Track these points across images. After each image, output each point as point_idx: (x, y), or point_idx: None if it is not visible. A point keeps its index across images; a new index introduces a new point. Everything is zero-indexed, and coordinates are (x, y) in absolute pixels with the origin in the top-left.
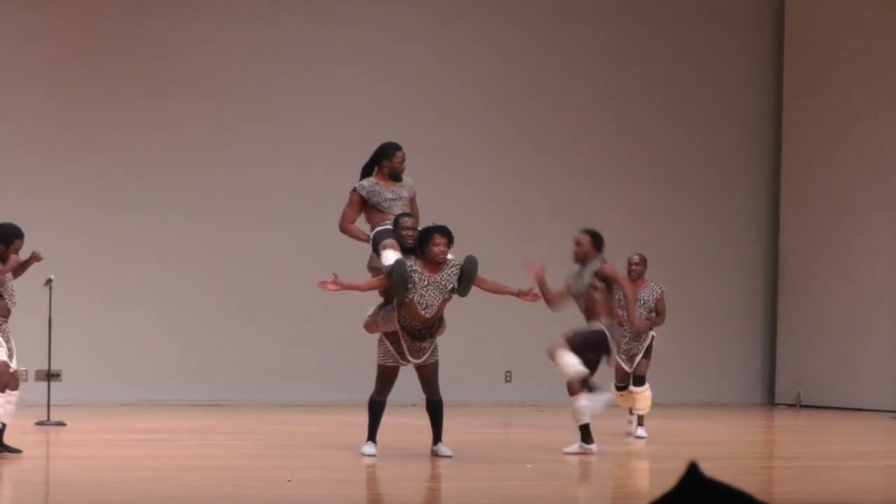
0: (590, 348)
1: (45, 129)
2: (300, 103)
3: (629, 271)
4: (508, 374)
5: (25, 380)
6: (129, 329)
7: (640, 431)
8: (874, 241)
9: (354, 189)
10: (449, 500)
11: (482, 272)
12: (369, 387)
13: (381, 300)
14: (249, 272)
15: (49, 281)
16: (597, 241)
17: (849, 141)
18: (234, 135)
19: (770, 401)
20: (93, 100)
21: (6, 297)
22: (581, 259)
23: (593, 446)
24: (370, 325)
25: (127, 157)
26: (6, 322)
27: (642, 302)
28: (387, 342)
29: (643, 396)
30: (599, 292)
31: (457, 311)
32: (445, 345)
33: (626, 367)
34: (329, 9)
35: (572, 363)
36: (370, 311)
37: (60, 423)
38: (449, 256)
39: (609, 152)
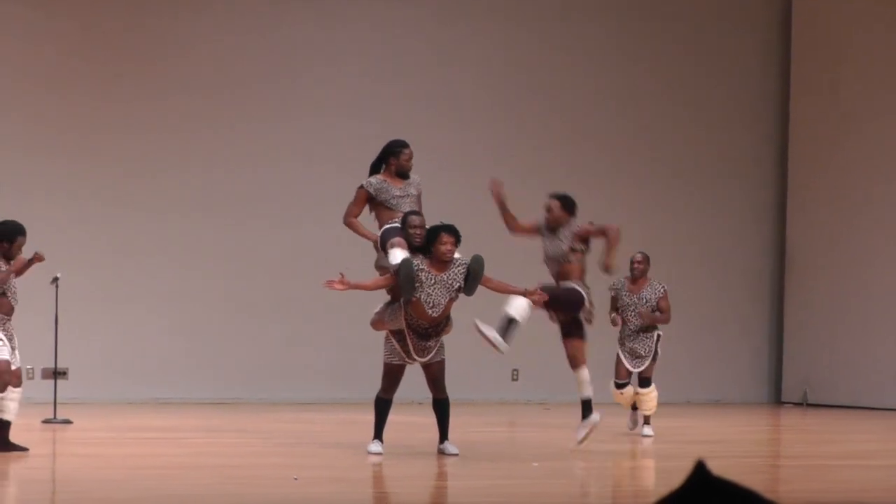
0: (561, 304)
1: (49, 128)
2: (301, 102)
3: (631, 269)
4: (515, 373)
5: (32, 378)
6: (136, 327)
7: (647, 430)
8: (881, 239)
9: (362, 185)
10: (455, 499)
11: (488, 271)
12: (375, 385)
13: (388, 298)
14: (255, 270)
15: (55, 279)
16: (567, 204)
17: (855, 138)
18: (236, 134)
19: (777, 399)
20: (94, 99)
21: (9, 295)
22: (554, 225)
23: (595, 416)
24: (377, 323)
25: (131, 157)
26: (9, 320)
27: (645, 301)
28: (393, 340)
29: (649, 397)
30: (577, 256)
31: (464, 310)
32: (452, 343)
33: (629, 365)
34: (329, 8)
35: (496, 339)
36: (377, 308)
37: (67, 421)
38: (456, 255)
39: (615, 151)
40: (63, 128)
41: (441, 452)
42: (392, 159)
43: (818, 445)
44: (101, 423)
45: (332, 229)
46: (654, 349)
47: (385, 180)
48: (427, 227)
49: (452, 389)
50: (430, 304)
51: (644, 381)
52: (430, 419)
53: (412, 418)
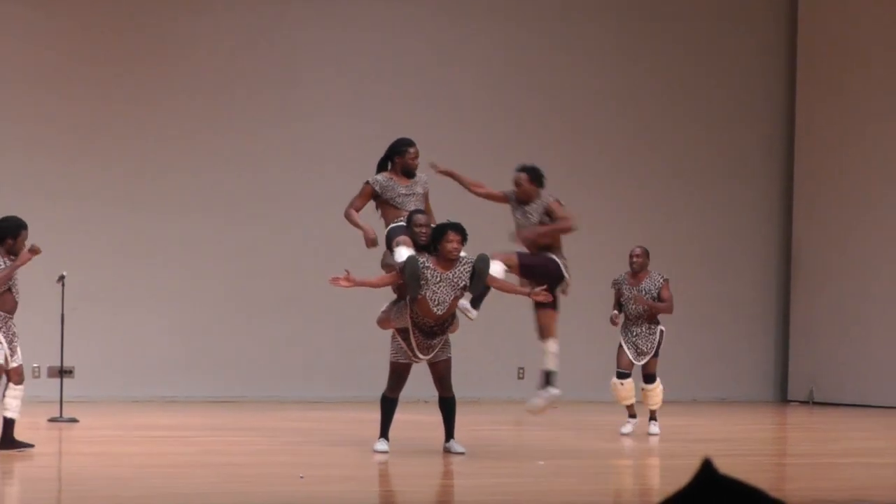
0: (537, 275)
1: (49, 128)
2: (301, 102)
3: (631, 264)
4: (521, 371)
5: (38, 376)
6: (142, 326)
7: (653, 428)
8: (887, 237)
9: (367, 181)
10: (461, 497)
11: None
12: (381, 383)
13: (394, 296)
14: (259, 269)
15: (62, 278)
16: (535, 176)
17: (861, 137)
18: (236, 134)
19: (783, 397)
20: (94, 100)
21: (13, 291)
22: (524, 198)
23: (555, 390)
24: (383, 321)
25: (132, 157)
26: (12, 318)
27: (646, 292)
28: (399, 339)
29: (655, 392)
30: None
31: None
32: (458, 342)
33: (633, 358)
34: (330, 8)
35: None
36: (384, 306)
37: (73, 420)
38: (462, 254)
39: (620, 150)
40: (63, 128)
41: (447, 451)
42: (398, 158)
43: (824, 444)
44: (107, 421)
45: (333, 229)
46: (656, 345)
47: (391, 178)
48: (434, 225)
49: (459, 388)
50: (436, 302)
51: (649, 378)
52: (437, 418)
53: (418, 417)
